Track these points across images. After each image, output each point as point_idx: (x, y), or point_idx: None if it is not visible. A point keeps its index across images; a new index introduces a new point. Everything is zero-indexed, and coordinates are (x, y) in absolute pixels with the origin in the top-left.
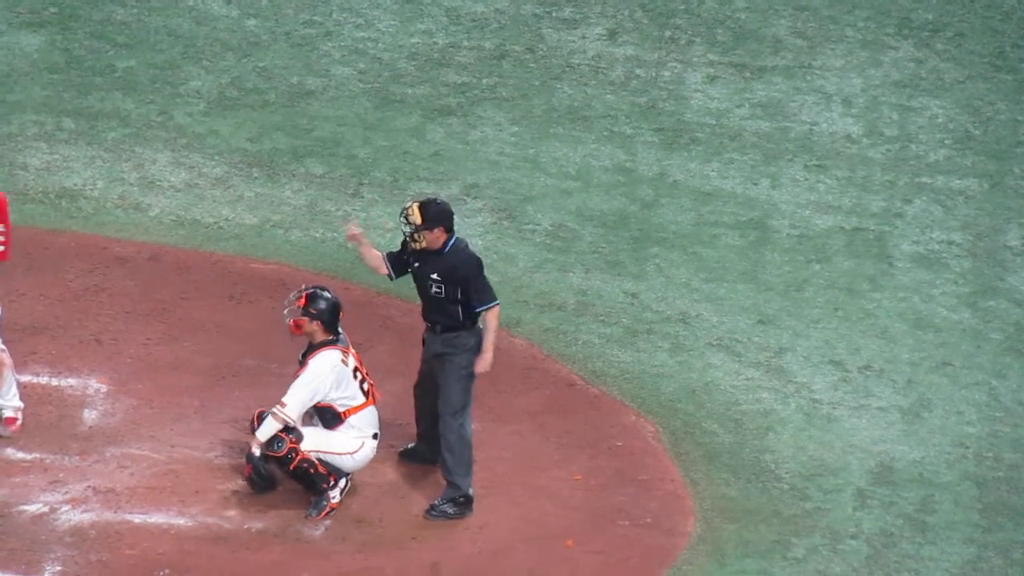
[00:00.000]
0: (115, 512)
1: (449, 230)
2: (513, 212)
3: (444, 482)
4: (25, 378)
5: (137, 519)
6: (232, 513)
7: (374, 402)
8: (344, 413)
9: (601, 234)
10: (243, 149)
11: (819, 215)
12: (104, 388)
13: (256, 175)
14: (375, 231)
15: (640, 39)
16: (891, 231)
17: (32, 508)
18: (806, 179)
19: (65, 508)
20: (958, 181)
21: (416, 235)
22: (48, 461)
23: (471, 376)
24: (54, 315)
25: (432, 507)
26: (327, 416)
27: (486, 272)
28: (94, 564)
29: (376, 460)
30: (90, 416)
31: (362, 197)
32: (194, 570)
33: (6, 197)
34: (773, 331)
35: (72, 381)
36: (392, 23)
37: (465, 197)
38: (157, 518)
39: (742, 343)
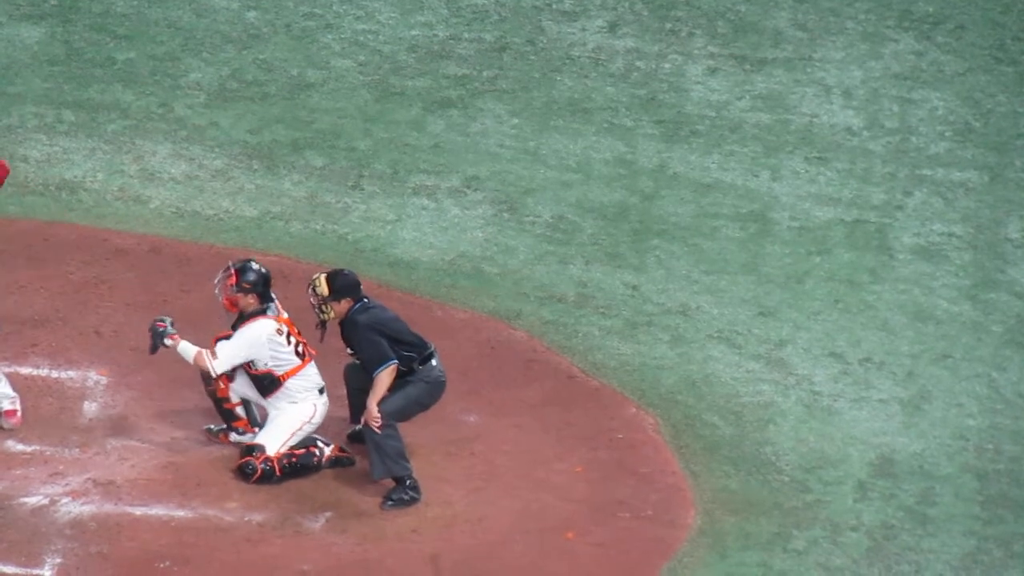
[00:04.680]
0: (115, 504)
1: (357, 299)
2: (513, 204)
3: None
4: (25, 370)
5: (137, 511)
6: (232, 505)
7: (311, 359)
8: (282, 376)
9: (601, 226)
10: (243, 141)
11: (819, 207)
12: (104, 380)
13: (256, 167)
14: (375, 223)
15: (640, 31)
16: (891, 223)
17: (32, 500)
18: (806, 171)
19: (65, 500)
20: (958, 173)
21: (324, 307)
22: (48, 453)
23: (420, 399)
24: (54, 307)
25: (387, 498)
26: (265, 382)
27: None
28: (94, 556)
29: None
30: (90, 408)
31: (362, 189)
32: (194, 562)
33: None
34: (773, 323)
35: (72, 373)
36: (392, 15)
37: (465, 189)
38: (157, 510)
39: (742, 335)
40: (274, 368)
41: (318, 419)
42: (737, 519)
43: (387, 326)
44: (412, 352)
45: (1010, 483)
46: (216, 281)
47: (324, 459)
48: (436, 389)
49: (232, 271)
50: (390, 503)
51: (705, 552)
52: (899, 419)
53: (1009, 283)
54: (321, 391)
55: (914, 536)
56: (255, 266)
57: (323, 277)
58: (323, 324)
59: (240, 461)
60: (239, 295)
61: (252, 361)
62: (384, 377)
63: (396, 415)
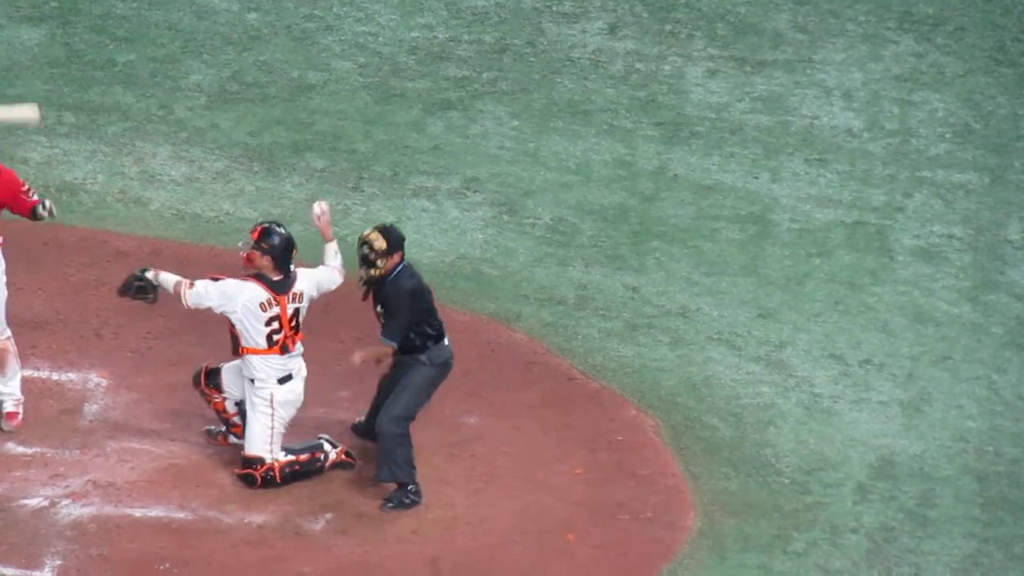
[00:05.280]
0: (115, 506)
1: (403, 256)
2: (513, 206)
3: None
4: (26, 372)
5: (137, 513)
6: (232, 507)
7: (280, 352)
8: (243, 350)
9: (601, 228)
10: (244, 143)
11: (820, 209)
12: (104, 382)
13: (256, 169)
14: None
15: (640, 33)
16: (892, 225)
17: (32, 502)
18: (807, 173)
19: (65, 502)
20: (959, 175)
21: (380, 261)
22: (49, 455)
23: (431, 386)
24: (54, 309)
25: (388, 500)
26: (234, 344)
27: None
28: (94, 558)
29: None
30: (90, 410)
31: (362, 191)
32: (194, 564)
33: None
34: (774, 325)
35: (72, 375)
36: (392, 17)
37: (465, 191)
38: (157, 512)
39: (742, 337)
40: (241, 333)
41: (282, 411)
42: (737, 521)
43: (426, 297)
44: (432, 329)
45: (1010, 485)
46: (243, 236)
47: (328, 463)
48: (444, 371)
49: (257, 228)
50: (390, 505)
51: (705, 554)
52: (899, 421)
53: (1009, 285)
54: (283, 380)
55: (914, 538)
56: (280, 230)
57: (376, 232)
58: (370, 281)
59: (241, 472)
60: (256, 253)
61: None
62: (386, 351)
63: (412, 411)
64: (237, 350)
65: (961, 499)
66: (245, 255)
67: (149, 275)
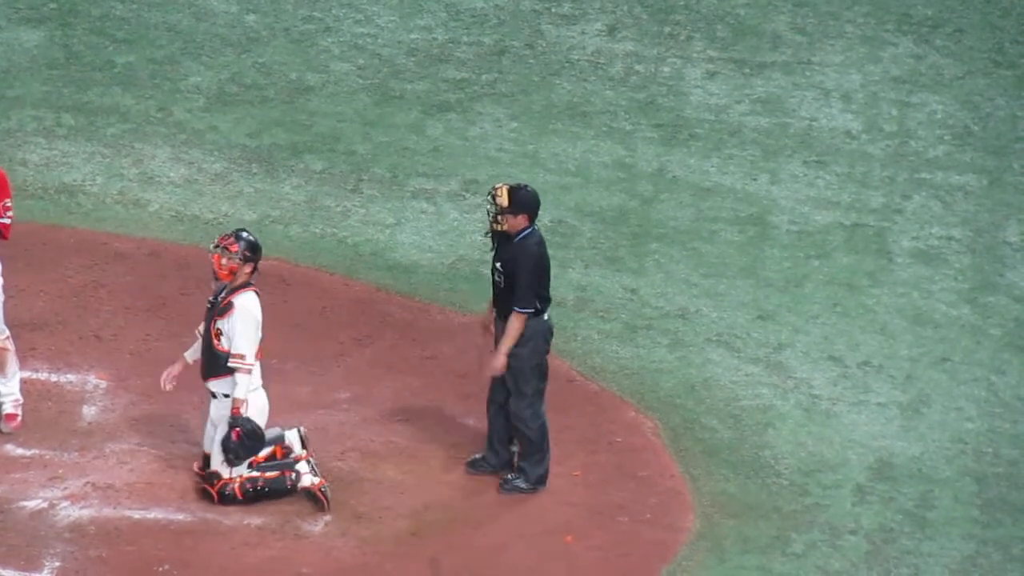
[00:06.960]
0: (114, 508)
1: (532, 219)
2: None
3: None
4: (24, 374)
5: (136, 515)
6: (231, 509)
7: (261, 356)
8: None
9: (600, 230)
10: (242, 145)
11: (818, 211)
12: (104, 384)
13: (255, 171)
14: (375, 227)
15: (639, 35)
16: (890, 227)
17: (31, 504)
18: (805, 175)
19: (64, 504)
20: (957, 177)
21: (500, 216)
22: (48, 457)
23: (538, 367)
24: (53, 311)
25: (504, 481)
26: (221, 360)
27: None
28: (93, 560)
29: (376, 457)
30: (89, 412)
31: (361, 193)
32: (193, 566)
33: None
34: (772, 327)
35: (71, 377)
36: (391, 19)
37: (464, 193)
38: (156, 514)
39: (741, 339)
40: (235, 345)
41: (263, 411)
42: (736, 522)
43: (547, 269)
44: (546, 297)
45: (1009, 487)
46: (212, 247)
47: (300, 487)
48: (540, 344)
49: (235, 241)
50: (506, 488)
51: (704, 555)
52: (898, 423)
53: (1008, 287)
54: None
55: (913, 539)
56: (252, 237)
57: (505, 188)
58: (493, 234)
59: (203, 486)
60: (238, 263)
61: (220, 334)
62: (520, 323)
63: (533, 388)
64: (217, 370)
65: (960, 500)
66: (227, 271)
67: (243, 415)
